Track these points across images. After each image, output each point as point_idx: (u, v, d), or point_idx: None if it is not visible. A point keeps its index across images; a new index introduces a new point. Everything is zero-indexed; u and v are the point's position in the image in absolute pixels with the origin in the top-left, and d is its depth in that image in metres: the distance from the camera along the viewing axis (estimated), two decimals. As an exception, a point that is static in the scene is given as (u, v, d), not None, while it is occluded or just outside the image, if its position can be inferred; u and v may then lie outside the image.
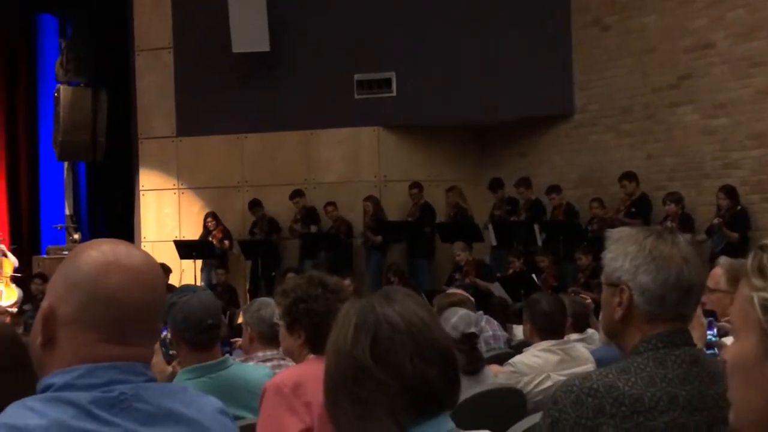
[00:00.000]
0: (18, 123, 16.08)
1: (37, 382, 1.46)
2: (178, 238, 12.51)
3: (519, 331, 6.49)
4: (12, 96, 16.03)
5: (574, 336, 4.95)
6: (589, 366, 4.26)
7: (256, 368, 3.51)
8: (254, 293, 11.89)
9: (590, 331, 5.29)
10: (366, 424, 1.45)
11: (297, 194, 12.42)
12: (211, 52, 12.53)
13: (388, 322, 1.48)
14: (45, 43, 15.54)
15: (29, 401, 1.40)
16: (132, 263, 1.47)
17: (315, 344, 2.78)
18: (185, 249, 12.10)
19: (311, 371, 2.72)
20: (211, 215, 12.51)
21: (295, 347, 2.87)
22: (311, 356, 2.81)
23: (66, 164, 14.20)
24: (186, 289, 3.42)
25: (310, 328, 2.79)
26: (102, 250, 1.48)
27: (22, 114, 16.03)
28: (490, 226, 11.61)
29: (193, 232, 12.79)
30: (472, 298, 5.86)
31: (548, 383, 4.18)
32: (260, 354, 3.89)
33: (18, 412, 1.38)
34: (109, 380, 1.41)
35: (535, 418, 2.89)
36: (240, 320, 7.65)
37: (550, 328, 4.40)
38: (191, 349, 3.20)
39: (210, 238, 12.41)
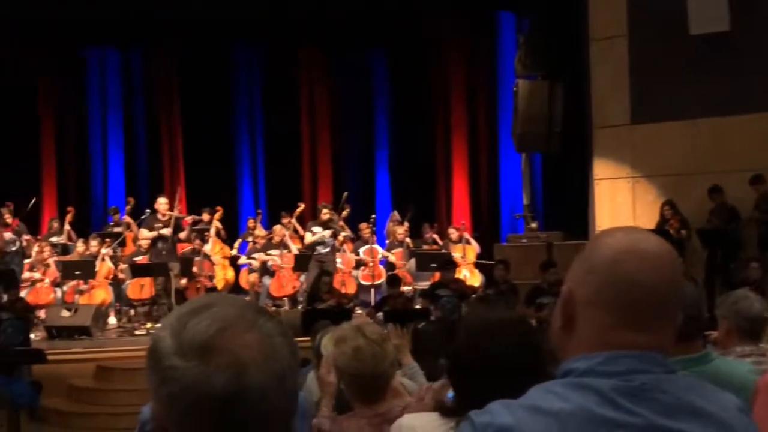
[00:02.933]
0: (479, 117, 17.08)
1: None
2: (632, 227, 12.38)
3: None
4: (474, 91, 17.07)
5: None
6: None
7: (739, 364, 3.34)
8: (710, 284, 11.41)
9: None
10: None
11: (757, 180, 11.67)
12: (666, 36, 12.22)
13: None
14: (504, 39, 16.28)
15: (551, 385, 1.44)
16: (648, 248, 1.46)
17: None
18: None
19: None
20: (668, 203, 12.23)
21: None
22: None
23: (523, 155, 14.73)
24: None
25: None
26: (617, 236, 1.49)
27: (482, 108, 17.01)
28: None
29: (647, 221, 12.57)
30: None
31: None
32: (738, 349, 3.70)
33: (541, 395, 1.43)
34: (629, 369, 1.41)
35: None
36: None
37: None
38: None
39: (666, 227, 12.12)
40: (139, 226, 13.64)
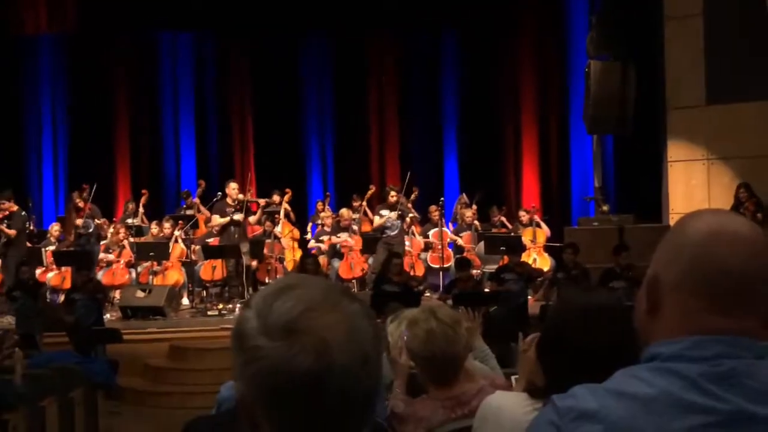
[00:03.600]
0: (549, 98, 16.89)
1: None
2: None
3: None
4: (544, 73, 16.89)
5: None
6: None
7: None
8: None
9: None
10: None
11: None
12: (743, 15, 11.92)
13: None
14: (575, 19, 16.04)
15: (636, 370, 1.41)
16: (738, 231, 1.42)
17: None
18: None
19: None
20: (744, 186, 11.95)
21: None
22: None
23: (594, 137, 14.51)
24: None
25: None
26: (705, 219, 1.45)
27: (553, 90, 16.81)
28: None
29: (722, 204, 12.30)
30: None
31: None
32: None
33: (626, 380, 1.40)
34: (717, 354, 1.37)
35: None
36: None
37: None
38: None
39: (741, 210, 11.84)
40: (210, 209, 13.81)
